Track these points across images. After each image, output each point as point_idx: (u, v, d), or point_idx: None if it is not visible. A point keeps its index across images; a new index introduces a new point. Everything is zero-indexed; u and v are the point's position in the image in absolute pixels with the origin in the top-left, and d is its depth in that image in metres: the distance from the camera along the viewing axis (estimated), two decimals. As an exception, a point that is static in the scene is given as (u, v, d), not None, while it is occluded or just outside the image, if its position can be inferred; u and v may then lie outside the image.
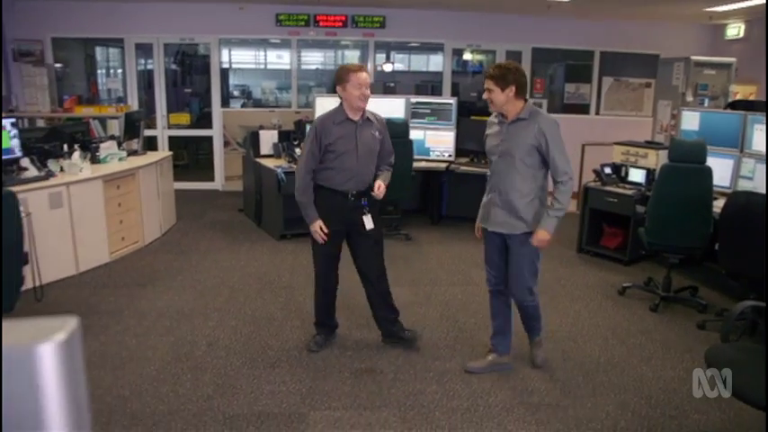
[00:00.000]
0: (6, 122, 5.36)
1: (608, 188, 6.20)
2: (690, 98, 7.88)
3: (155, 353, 4.09)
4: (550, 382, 3.83)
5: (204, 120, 9.89)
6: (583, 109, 9.95)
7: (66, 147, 5.87)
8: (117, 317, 4.60)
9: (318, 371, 3.89)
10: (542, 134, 3.48)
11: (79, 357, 0.49)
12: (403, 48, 11.01)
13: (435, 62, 10.98)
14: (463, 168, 7.22)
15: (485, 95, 3.60)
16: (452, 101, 7.64)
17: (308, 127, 7.16)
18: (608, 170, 6.34)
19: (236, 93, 11.73)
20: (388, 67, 10.34)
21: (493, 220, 3.71)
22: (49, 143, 5.80)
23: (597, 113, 9.93)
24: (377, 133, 3.95)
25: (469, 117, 7.76)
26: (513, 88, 3.48)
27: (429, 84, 9.36)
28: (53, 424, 0.48)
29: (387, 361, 4.06)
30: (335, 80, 3.89)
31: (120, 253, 5.99)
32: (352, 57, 11.66)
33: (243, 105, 11.18)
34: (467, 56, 10.37)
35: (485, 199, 3.79)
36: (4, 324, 0.49)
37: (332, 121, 3.86)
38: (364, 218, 3.94)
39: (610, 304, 5.15)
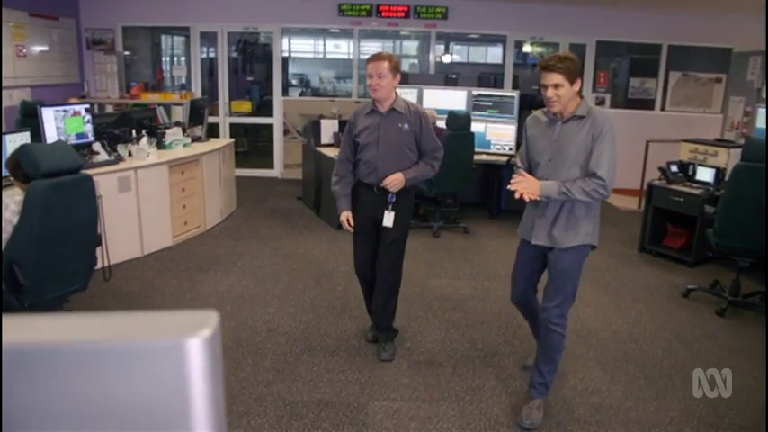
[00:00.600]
0: (81, 108, 5.55)
1: (674, 187, 6.02)
2: (765, 94, 7.57)
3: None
4: (612, 383, 3.76)
5: (264, 108, 10.02)
6: (648, 104, 9.66)
7: (134, 132, 6.03)
8: (180, 299, 4.72)
9: (377, 361, 3.91)
10: (598, 131, 3.07)
11: (220, 354, 0.50)
12: (462, 39, 10.92)
13: (494, 54, 10.86)
14: (523, 162, 7.12)
15: (548, 92, 3.06)
16: (515, 94, 7.53)
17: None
18: (674, 168, 6.16)
19: (294, 81, 11.85)
20: (446, 59, 10.28)
21: (537, 231, 3.29)
22: (118, 128, 5.96)
23: (663, 109, 9.63)
24: (406, 125, 3.73)
25: (530, 110, 7.64)
26: (580, 82, 3.12)
27: (491, 76, 9.25)
28: (199, 423, 0.48)
29: (445, 354, 4.05)
30: None
31: (183, 237, 6.14)
32: (410, 47, 11.64)
33: (301, 94, 11.28)
34: (527, 48, 10.21)
35: (528, 211, 3.38)
36: (147, 316, 0.50)
37: (363, 112, 3.82)
38: (386, 212, 3.79)
39: (673, 306, 5.01)
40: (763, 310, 4.85)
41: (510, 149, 7.33)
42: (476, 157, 6.87)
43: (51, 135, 5.22)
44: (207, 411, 0.48)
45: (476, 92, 7.63)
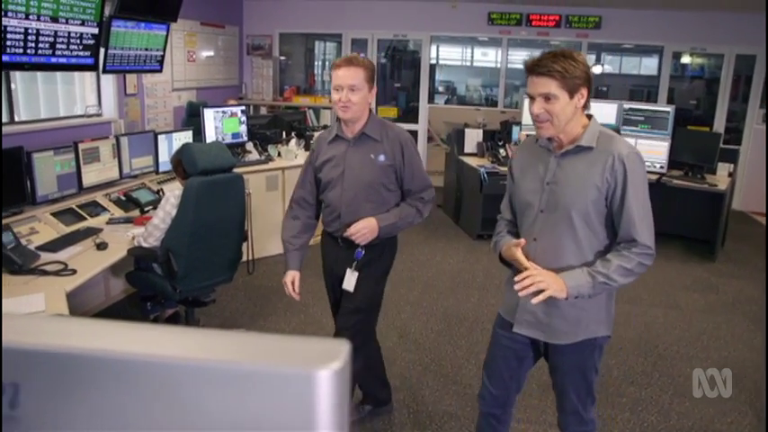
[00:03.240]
0: (237, 110, 5.92)
1: None
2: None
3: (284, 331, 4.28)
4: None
5: (410, 114, 10.16)
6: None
7: (284, 134, 6.33)
8: (316, 298, 4.87)
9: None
10: (620, 172, 2.07)
11: (348, 386, 0.49)
12: (612, 49, 10.43)
13: (648, 65, 10.32)
14: (677, 182, 6.70)
15: (535, 107, 2.08)
16: (670, 109, 7.09)
17: (514, 129, 7.08)
18: None
19: (440, 89, 11.92)
20: (597, 69, 9.89)
21: (522, 316, 2.28)
22: (270, 130, 6.29)
23: None
24: (381, 157, 2.77)
25: (685, 126, 7.20)
26: (586, 93, 2.09)
27: (644, 89, 8.80)
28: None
29: (577, 378, 3.89)
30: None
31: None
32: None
33: (446, 102, 11.32)
34: (685, 59, 9.59)
35: (511, 282, 2.24)
36: (280, 340, 0.50)
37: (327, 139, 2.90)
38: (348, 271, 2.86)
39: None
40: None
41: (661, 167, 6.92)
42: (623, 174, 6.55)
43: (210, 134, 5.61)
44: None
45: (627, 105, 7.29)
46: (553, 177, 2.17)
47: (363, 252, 2.83)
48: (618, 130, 6.39)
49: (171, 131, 5.49)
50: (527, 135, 2.51)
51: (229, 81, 9.24)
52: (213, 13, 8.57)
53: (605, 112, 7.17)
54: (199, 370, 0.47)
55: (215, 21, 8.67)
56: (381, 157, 2.78)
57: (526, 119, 7.29)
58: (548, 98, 2.04)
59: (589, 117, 2.18)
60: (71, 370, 0.48)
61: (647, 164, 6.80)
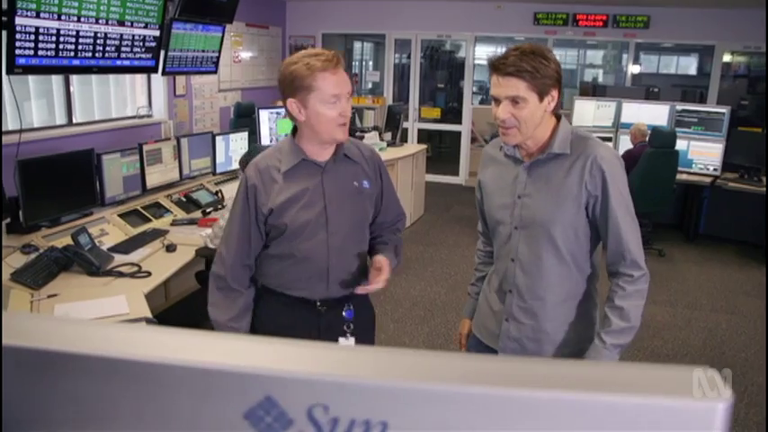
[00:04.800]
0: (283, 111, 5.93)
1: None
2: None
3: (411, 340, 4.27)
4: None
5: (450, 114, 10.12)
6: None
7: (335, 135, 6.34)
8: (374, 300, 4.81)
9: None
10: (599, 178, 1.82)
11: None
12: (653, 48, 10.21)
13: (684, 65, 10.18)
14: (732, 185, 6.59)
15: (500, 111, 1.81)
16: (725, 110, 6.97)
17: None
18: None
19: (474, 89, 11.86)
20: (635, 69, 9.70)
21: (504, 341, 2.02)
22: (320, 131, 6.30)
23: None
24: (365, 183, 2.09)
25: (737, 128, 7.07)
26: (556, 95, 1.83)
27: (697, 90, 8.65)
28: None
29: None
30: (282, 88, 1.99)
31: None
32: (593, 56, 11.11)
33: (481, 102, 11.25)
34: (726, 57, 9.37)
35: (484, 297, 2.15)
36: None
37: (275, 169, 2.03)
38: (341, 341, 2.09)
39: None
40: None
41: (714, 170, 6.80)
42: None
43: (265, 135, 5.63)
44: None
45: (680, 107, 7.17)
46: (524, 190, 1.91)
47: (353, 312, 2.10)
48: (674, 133, 6.29)
49: (228, 132, 5.51)
50: (490, 140, 2.11)
51: (272, 82, 9.27)
52: (257, 14, 8.61)
53: (657, 113, 7.09)
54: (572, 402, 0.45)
55: (259, 22, 8.72)
56: (365, 184, 2.10)
57: (577, 120, 7.23)
58: (515, 101, 1.78)
59: (558, 118, 1.91)
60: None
61: (699, 166, 6.74)
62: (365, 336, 2.20)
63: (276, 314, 2.09)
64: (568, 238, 1.88)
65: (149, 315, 2.88)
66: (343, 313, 2.09)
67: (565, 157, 1.86)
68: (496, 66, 1.79)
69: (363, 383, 0.46)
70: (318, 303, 2.06)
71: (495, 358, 0.51)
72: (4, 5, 3.58)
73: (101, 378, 0.48)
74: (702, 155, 6.89)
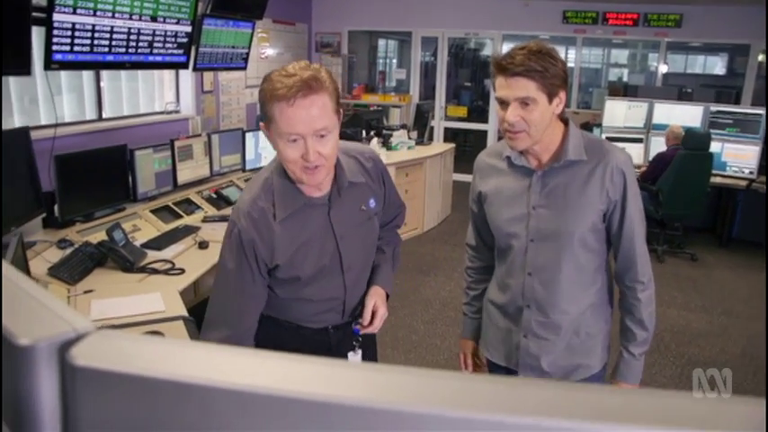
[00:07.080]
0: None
1: None
2: None
3: (442, 342, 4.22)
4: None
5: (475, 113, 10.04)
6: None
7: (363, 132, 6.30)
8: (403, 300, 4.83)
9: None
10: (620, 184, 1.78)
11: None
12: (679, 47, 10.04)
13: (711, 64, 10.01)
14: (768, 188, 6.46)
15: (510, 114, 1.67)
16: (762, 111, 6.83)
17: (594, 132, 6.89)
18: None
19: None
20: (663, 68, 9.55)
21: (524, 359, 1.93)
22: (350, 128, 6.27)
23: None
24: (372, 201, 1.87)
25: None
26: (564, 97, 1.73)
27: (732, 91, 8.49)
28: None
29: (685, 393, 3.75)
30: (261, 108, 1.69)
31: (403, 237, 6.29)
32: (618, 55, 10.93)
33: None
34: (760, 57, 9.20)
35: (487, 315, 2.06)
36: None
37: (271, 215, 1.72)
38: (350, 355, 1.97)
39: None
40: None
41: (750, 173, 6.67)
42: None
43: (294, 132, 5.60)
44: None
45: (714, 108, 7.04)
46: (539, 200, 1.81)
47: (359, 328, 1.97)
48: (709, 135, 6.17)
49: (257, 129, 5.49)
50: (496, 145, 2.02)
51: (298, 79, 9.26)
52: (283, 10, 8.59)
53: (691, 115, 6.96)
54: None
55: (285, 18, 8.69)
56: (372, 203, 1.87)
57: (608, 120, 7.13)
58: (525, 103, 1.66)
59: (565, 121, 1.82)
60: None
61: (733, 169, 6.60)
62: (370, 341, 2.09)
63: (285, 339, 1.89)
64: (588, 246, 1.83)
65: (185, 313, 2.85)
66: (353, 330, 1.96)
67: (582, 163, 1.78)
68: (503, 66, 1.67)
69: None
70: (330, 328, 1.93)
71: (546, 384, 0.44)
72: (43, 2, 3.58)
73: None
74: (737, 157, 6.76)
